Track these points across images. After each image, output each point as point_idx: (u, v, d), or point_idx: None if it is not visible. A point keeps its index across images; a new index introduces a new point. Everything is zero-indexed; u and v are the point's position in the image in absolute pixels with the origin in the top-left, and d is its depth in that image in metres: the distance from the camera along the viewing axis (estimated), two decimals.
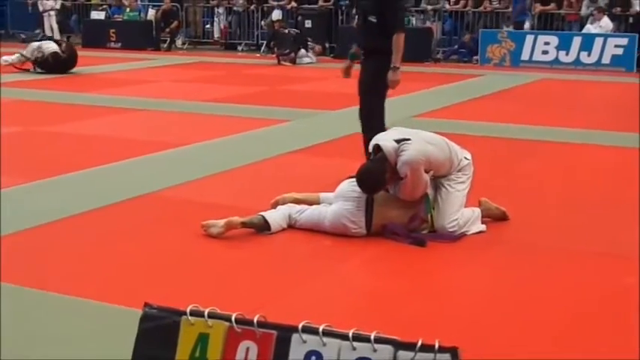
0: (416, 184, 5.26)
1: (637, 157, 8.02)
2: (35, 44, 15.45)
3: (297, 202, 5.64)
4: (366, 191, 5.27)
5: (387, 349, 2.04)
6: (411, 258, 5.00)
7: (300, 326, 2.13)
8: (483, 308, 4.25)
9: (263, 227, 5.33)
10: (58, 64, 14.97)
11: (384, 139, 5.37)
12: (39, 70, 14.93)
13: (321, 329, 2.11)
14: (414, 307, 4.24)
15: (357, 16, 6.51)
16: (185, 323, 2.25)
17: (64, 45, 15.61)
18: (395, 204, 5.37)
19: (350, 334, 2.08)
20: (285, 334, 2.16)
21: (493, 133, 9.16)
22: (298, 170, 7.35)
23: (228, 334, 2.21)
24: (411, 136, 5.35)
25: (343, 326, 2.22)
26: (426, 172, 5.30)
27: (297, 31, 19.29)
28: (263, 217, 5.37)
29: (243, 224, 5.30)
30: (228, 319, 2.21)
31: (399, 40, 6.53)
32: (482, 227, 5.49)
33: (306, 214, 5.43)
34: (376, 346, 2.05)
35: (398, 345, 2.04)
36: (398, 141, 5.27)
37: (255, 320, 2.18)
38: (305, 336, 2.13)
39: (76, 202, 6.15)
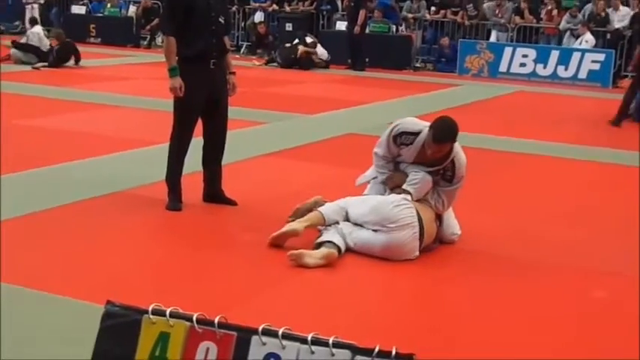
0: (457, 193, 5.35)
1: (610, 171, 8.13)
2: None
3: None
4: (437, 132, 5.12)
5: (344, 354, 2.07)
6: (380, 267, 5.01)
7: (260, 328, 2.15)
8: (452, 317, 4.30)
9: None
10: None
11: None
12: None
13: (280, 332, 2.13)
14: (380, 314, 4.28)
15: (203, 18, 5.87)
16: (146, 322, 2.25)
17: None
18: (432, 218, 5.28)
19: (309, 338, 2.10)
20: (245, 335, 2.17)
21: (469, 143, 9.17)
22: (272, 172, 7.37)
23: (188, 334, 2.22)
24: None
25: (308, 331, 2.24)
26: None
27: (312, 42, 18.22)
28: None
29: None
30: (189, 318, 2.22)
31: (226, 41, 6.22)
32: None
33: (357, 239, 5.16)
34: (334, 350, 2.07)
35: (355, 350, 2.06)
36: None
37: (216, 321, 2.20)
38: (265, 338, 2.14)
39: (45, 197, 6.13)
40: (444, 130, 5.15)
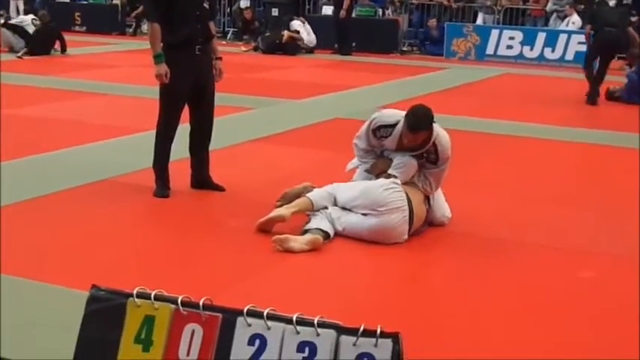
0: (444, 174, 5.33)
1: (597, 152, 8.15)
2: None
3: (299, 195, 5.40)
4: (411, 121, 5.12)
5: (329, 334, 2.07)
6: (369, 250, 5.00)
7: (245, 310, 2.15)
8: (440, 299, 4.31)
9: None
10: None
11: None
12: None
13: (265, 313, 2.13)
14: (368, 297, 4.28)
15: (188, 4, 5.83)
16: (131, 305, 2.25)
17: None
18: (421, 201, 5.28)
19: (294, 318, 2.10)
20: (230, 317, 2.18)
21: (456, 126, 9.19)
22: (260, 158, 7.36)
23: (174, 317, 2.22)
24: None
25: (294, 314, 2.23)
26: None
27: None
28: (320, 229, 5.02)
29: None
30: (174, 301, 2.22)
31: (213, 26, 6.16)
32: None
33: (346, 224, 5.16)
34: (319, 330, 2.08)
35: (340, 330, 2.07)
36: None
37: (200, 303, 2.20)
38: (250, 319, 2.15)
39: (32, 185, 6.11)
40: (418, 118, 5.16)
